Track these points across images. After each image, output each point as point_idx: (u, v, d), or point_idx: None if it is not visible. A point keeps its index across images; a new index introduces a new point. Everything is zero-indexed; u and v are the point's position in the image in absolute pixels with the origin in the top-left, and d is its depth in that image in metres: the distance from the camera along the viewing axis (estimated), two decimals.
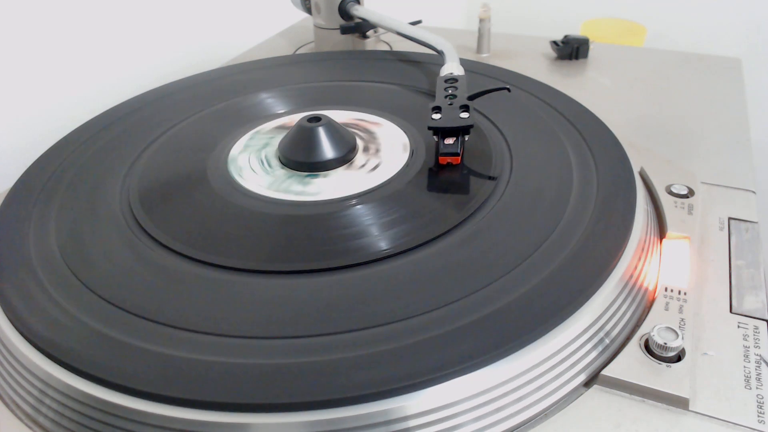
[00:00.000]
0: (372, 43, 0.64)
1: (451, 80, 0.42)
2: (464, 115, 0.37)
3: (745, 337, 0.28)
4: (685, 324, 0.28)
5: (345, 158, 0.38)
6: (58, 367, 0.25)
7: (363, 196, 0.34)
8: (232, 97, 0.48)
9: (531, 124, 0.41)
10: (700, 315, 0.29)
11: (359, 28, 0.60)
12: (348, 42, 0.61)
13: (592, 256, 0.29)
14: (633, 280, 0.29)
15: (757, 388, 0.26)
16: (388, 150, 0.39)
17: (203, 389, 0.23)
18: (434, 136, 0.37)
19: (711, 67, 0.56)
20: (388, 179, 0.36)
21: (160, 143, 0.42)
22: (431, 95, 0.45)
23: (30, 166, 0.40)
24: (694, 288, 0.31)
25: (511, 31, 0.67)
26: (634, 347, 0.27)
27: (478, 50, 0.61)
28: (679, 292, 0.30)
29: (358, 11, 0.59)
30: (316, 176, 0.37)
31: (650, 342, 0.27)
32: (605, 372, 0.26)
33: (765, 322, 0.29)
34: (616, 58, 0.59)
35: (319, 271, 0.29)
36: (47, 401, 0.25)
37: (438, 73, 0.44)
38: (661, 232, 0.34)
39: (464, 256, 0.30)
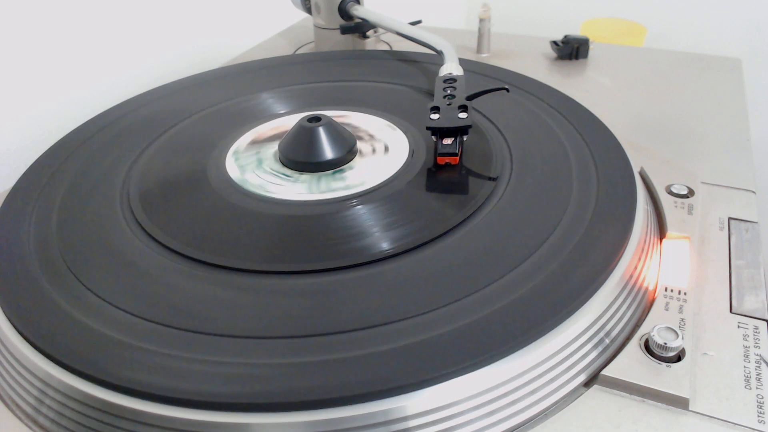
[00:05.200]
0: (372, 43, 0.64)
1: (450, 80, 0.42)
2: (463, 115, 0.37)
3: (745, 337, 0.28)
4: (685, 324, 0.28)
5: (345, 158, 0.38)
6: (58, 367, 0.25)
7: (363, 197, 0.34)
8: (232, 97, 0.48)
9: (531, 124, 0.41)
10: (700, 315, 0.29)
11: (359, 28, 0.60)
12: (348, 42, 0.61)
13: (592, 256, 0.29)
14: (633, 280, 0.29)
15: (757, 388, 0.26)
16: (387, 150, 0.39)
17: (203, 389, 0.23)
18: (433, 137, 0.37)
19: (711, 67, 0.56)
20: (388, 179, 0.36)
21: (160, 143, 0.42)
22: (431, 95, 0.45)
23: (30, 166, 0.40)
24: (694, 288, 0.31)
25: (511, 31, 0.67)
26: (634, 347, 0.27)
27: (478, 50, 0.61)
28: (679, 292, 0.30)
29: (358, 11, 0.59)
30: (316, 176, 0.37)
31: (650, 342, 0.27)
32: (605, 372, 0.26)
33: (765, 322, 0.29)
34: (616, 58, 0.59)
35: (319, 271, 0.29)
36: (47, 401, 0.25)
37: (437, 73, 0.44)
38: (661, 232, 0.34)
39: (464, 257, 0.30)
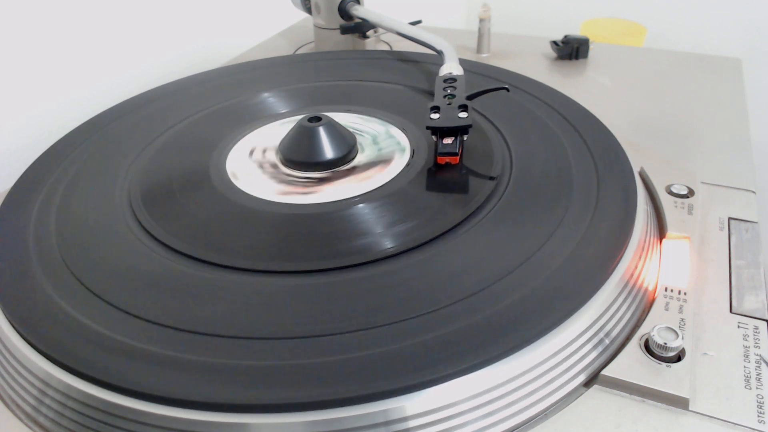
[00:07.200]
0: (372, 43, 0.64)
1: (450, 80, 0.42)
2: (463, 114, 0.37)
3: (745, 337, 0.28)
4: (685, 324, 0.28)
5: (345, 158, 0.38)
6: (58, 367, 0.25)
7: (364, 196, 0.34)
8: (232, 97, 0.48)
9: (531, 125, 0.41)
10: (700, 315, 0.29)
11: (359, 28, 0.60)
12: (348, 42, 0.61)
13: (592, 256, 0.29)
14: (633, 280, 0.29)
15: (757, 388, 0.26)
16: (388, 150, 0.39)
17: (203, 389, 0.23)
18: (433, 136, 0.37)
19: (711, 67, 0.56)
20: (389, 179, 0.36)
21: (160, 143, 0.42)
22: (431, 95, 0.45)
23: (30, 166, 0.40)
24: (694, 288, 0.31)
25: (511, 31, 0.67)
26: (634, 347, 0.27)
27: (478, 50, 0.61)
28: (679, 292, 0.30)
29: (358, 11, 0.59)
30: (316, 176, 0.37)
31: (650, 342, 0.27)
32: (605, 372, 0.26)
33: (765, 322, 0.29)
34: (616, 58, 0.59)
35: (319, 271, 0.29)
36: (47, 401, 0.25)
37: (437, 73, 0.44)
38: (661, 232, 0.34)
39: (465, 256, 0.30)
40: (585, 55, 0.59)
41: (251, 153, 0.40)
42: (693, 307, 0.29)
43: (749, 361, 0.27)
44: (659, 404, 0.25)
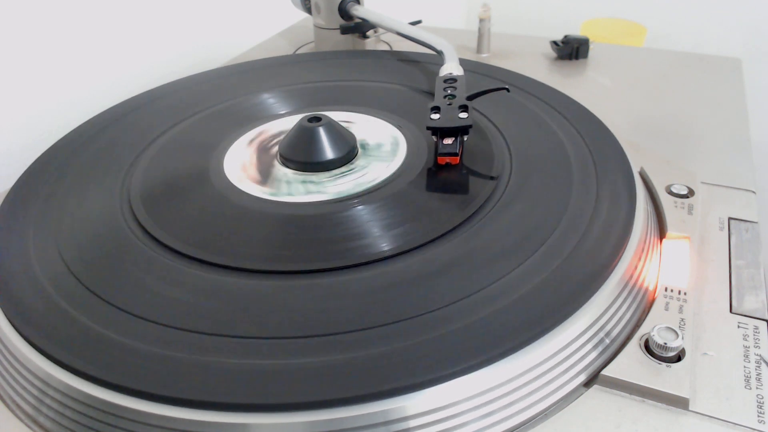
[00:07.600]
0: (372, 43, 0.64)
1: (450, 80, 0.42)
2: (463, 115, 0.37)
3: (745, 337, 0.28)
4: (685, 324, 0.28)
5: (345, 158, 0.38)
6: (58, 367, 0.25)
7: (363, 197, 0.34)
8: (232, 97, 0.48)
9: (531, 124, 0.41)
10: (700, 315, 0.29)
11: (359, 28, 0.60)
12: (348, 42, 0.61)
13: (592, 256, 0.29)
14: (633, 280, 0.29)
15: (757, 388, 0.26)
16: (388, 150, 0.39)
17: (203, 389, 0.23)
18: (433, 137, 0.37)
19: (711, 67, 0.56)
20: (389, 179, 0.36)
21: (160, 143, 0.42)
22: (431, 95, 0.45)
23: (30, 166, 0.40)
24: (694, 288, 0.31)
25: (511, 31, 0.67)
26: (634, 347, 0.27)
27: (478, 50, 0.61)
28: (679, 292, 0.30)
29: (358, 11, 0.59)
30: (316, 176, 0.37)
31: (650, 342, 0.27)
32: (605, 372, 0.26)
33: (765, 322, 0.29)
34: (616, 58, 0.59)
35: (319, 271, 0.29)
36: (47, 401, 0.25)
37: (438, 73, 0.44)
38: (661, 232, 0.34)
39: (465, 257, 0.30)
40: (585, 55, 0.59)
41: (251, 153, 0.40)
42: (693, 307, 0.29)
43: (749, 361, 0.27)
44: (659, 404, 0.25)
